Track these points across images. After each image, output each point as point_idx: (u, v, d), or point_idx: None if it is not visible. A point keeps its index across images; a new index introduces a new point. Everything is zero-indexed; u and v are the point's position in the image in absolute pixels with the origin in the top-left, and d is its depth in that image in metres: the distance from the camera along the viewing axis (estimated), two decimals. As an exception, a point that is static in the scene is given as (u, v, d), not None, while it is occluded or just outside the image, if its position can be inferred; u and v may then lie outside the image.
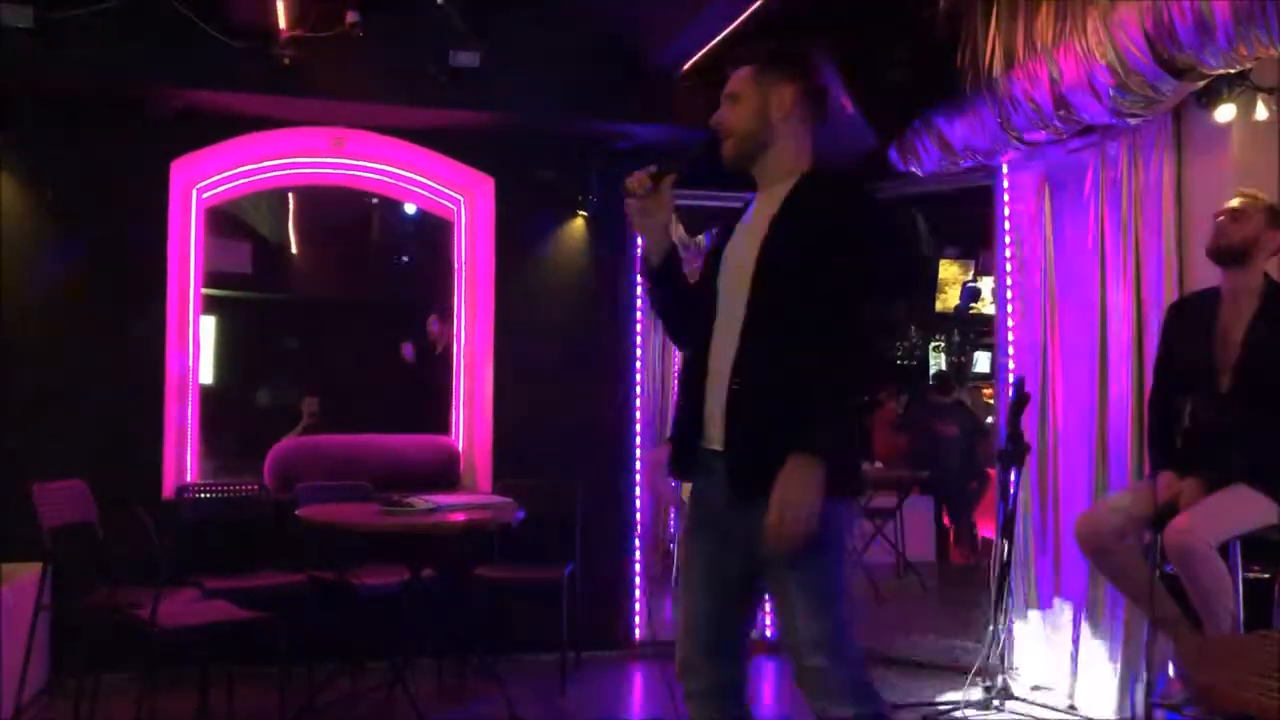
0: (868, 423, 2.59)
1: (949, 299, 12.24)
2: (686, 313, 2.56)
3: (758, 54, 2.51)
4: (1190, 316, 3.70)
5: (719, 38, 4.84)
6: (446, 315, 7.67)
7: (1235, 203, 3.57)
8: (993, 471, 6.51)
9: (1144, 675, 4.08)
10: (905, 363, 13.89)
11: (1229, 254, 3.55)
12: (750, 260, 2.41)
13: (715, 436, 2.41)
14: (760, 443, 2.31)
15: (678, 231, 5.77)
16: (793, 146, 2.48)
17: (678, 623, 2.58)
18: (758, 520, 2.30)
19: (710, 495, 2.47)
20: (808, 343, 2.29)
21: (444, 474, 5.66)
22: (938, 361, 13.80)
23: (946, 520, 9.14)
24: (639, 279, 2.70)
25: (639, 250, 2.60)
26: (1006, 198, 5.14)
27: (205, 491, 5.13)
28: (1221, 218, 3.58)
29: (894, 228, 2.45)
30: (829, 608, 2.35)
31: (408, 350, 8.58)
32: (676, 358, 8.95)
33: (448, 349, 7.51)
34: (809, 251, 2.34)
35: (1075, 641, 4.56)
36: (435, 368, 7.62)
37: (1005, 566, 4.55)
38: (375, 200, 8.73)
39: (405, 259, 10.02)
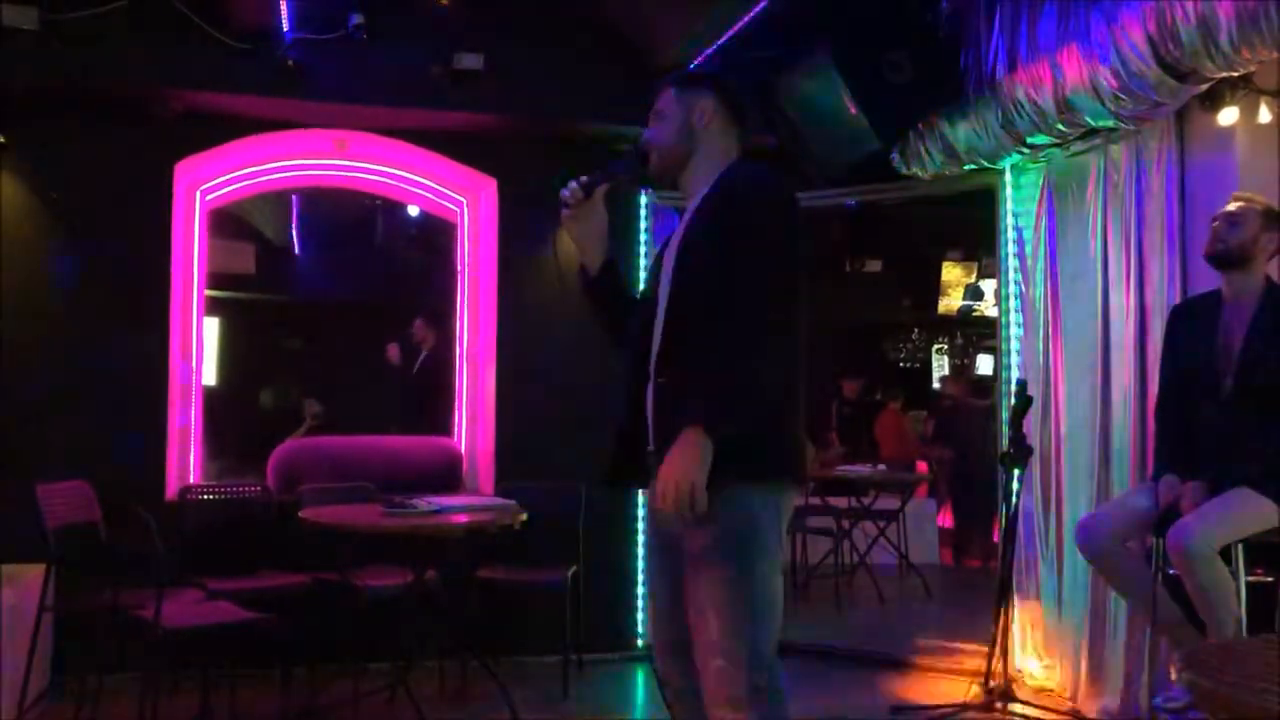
0: (798, 410, 2.50)
1: (952, 301, 12.24)
2: (623, 319, 2.65)
3: (674, 79, 2.69)
4: (1192, 320, 3.70)
5: (724, 39, 4.84)
6: (432, 317, 7.70)
7: (1231, 207, 3.58)
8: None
9: (1146, 679, 4.08)
10: (908, 365, 13.90)
11: (1227, 258, 3.56)
12: (673, 261, 2.52)
13: (651, 438, 2.47)
14: (669, 436, 2.31)
15: None
16: (717, 151, 2.59)
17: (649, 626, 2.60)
18: (682, 521, 2.31)
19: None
20: (709, 331, 2.32)
21: (446, 476, 5.66)
22: (940, 364, 13.80)
23: (948, 523, 9.14)
24: (580, 286, 2.74)
25: (578, 259, 2.70)
26: (1009, 200, 5.15)
27: (208, 493, 5.13)
28: (1218, 223, 3.60)
29: (793, 217, 2.43)
30: (733, 607, 2.32)
31: (392, 351, 8.61)
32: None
33: (434, 351, 7.55)
34: (710, 243, 2.40)
35: (1077, 645, 4.56)
36: (423, 370, 7.66)
37: (1007, 569, 4.54)
38: (378, 202, 8.74)
39: (408, 261, 10.02)
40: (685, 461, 2.24)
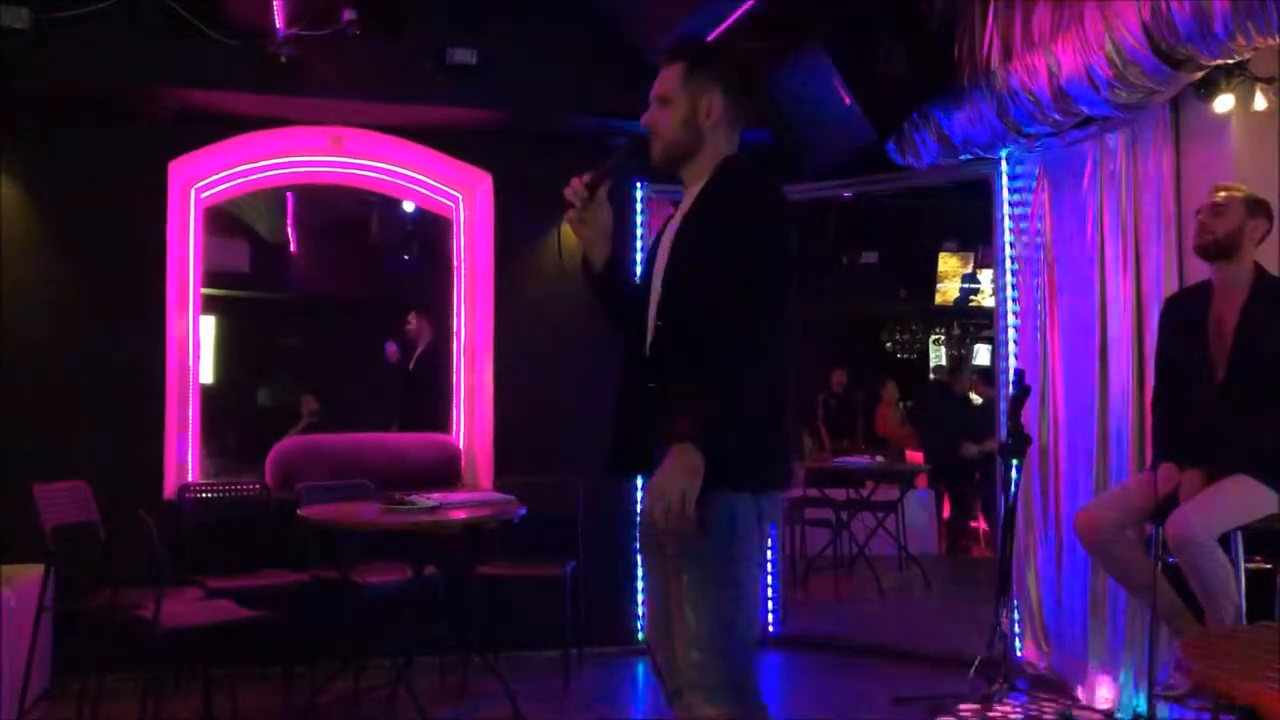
0: (787, 413, 2.50)
1: (949, 292, 12.25)
2: (627, 314, 2.63)
3: (685, 52, 2.56)
4: (1184, 310, 3.72)
5: (717, 31, 4.83)
6: (425, 310, 7.69)
7: (1215, 198, 3.59)
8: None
9: (1146, 667, 4.09)
10: (906, 356, 13.93)
11: (1215, 249, 3.58)
12: (666, 256, 2.50)
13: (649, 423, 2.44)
14: (661, 436, 2.31)
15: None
16: (719, 146, 2.54)
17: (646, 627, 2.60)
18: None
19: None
20: (700, 334, 2.31)
21: (445, 472, 5.66)
22: (938, 355, 13.82)
23: (946, 513, 9.16)
24: (584, 283, 2.72)
25: (581, 256, 2.66)
26: (1006, 190, 5.14)
27: (207, 491, 5.13)
28: (1203, 214, 3.61)
29: (784, 221, 2.43)
30: (712, 602, 2.33)
31: (390, 349, 8.59)
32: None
33: (431, 344, 7.53)
34: (705, 243, 2.39)
35: (1077, 633, 4.57)
36: (421, 364, 7.64)
37: (1007, 559, 4.55)
38: (374, 199, 8.73)
39: (405, 257, 10.03)
40: (677, 476, 2.23)
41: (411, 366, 7.88)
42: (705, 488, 2.25)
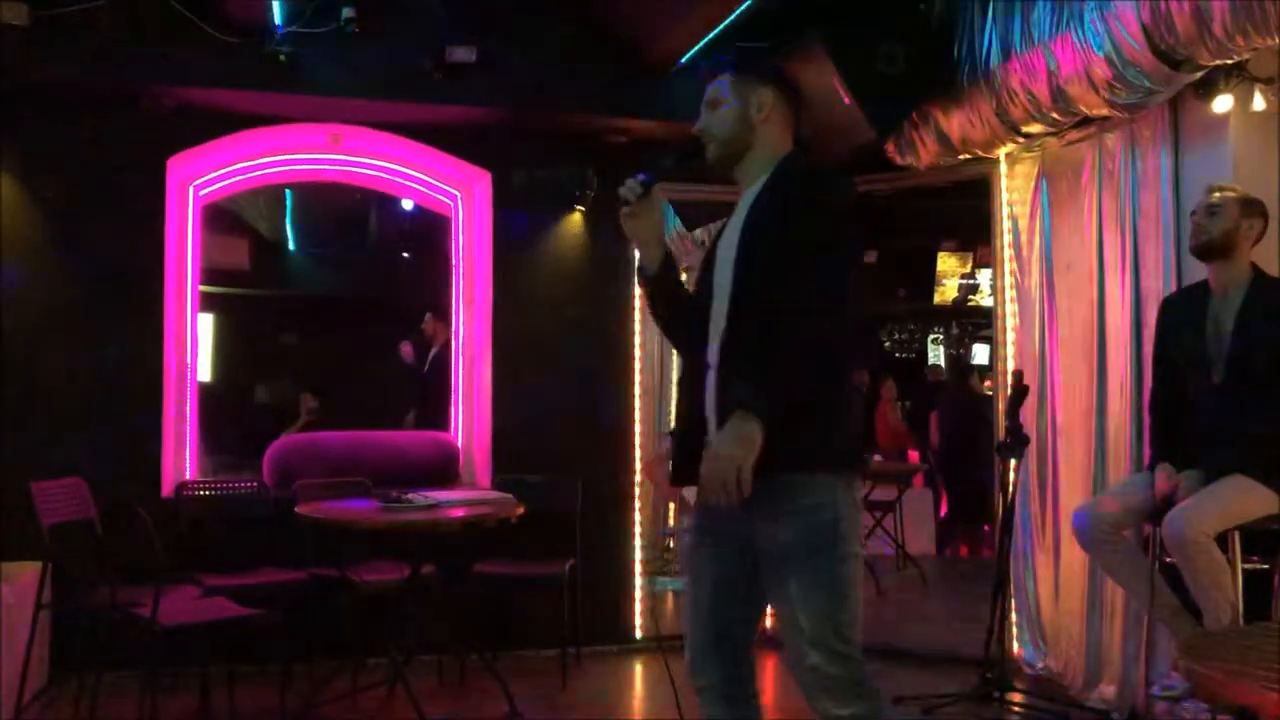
0: (852, 404, 2.52)
1: (947, 292, 12.24)
2: (683, 315, 2.60)
3: (731, 63, 2.61)
4: (1181, 311, 3.72)
5: (716, 31, 4.83)
6: (440, 312, 7.67)
7: (1209, 198, 3.60)
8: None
9: (1144, 667, 4.09)
10: (904, 356, 13.92)
11: (1211, 249, 3.58)
12: (733, 254, 2.47)
13: (711, 432, 2.42)
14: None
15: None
16: (773, 144, 2.55)
17: (685, 621, 2.58)
18: (756, 517, 2.32)
19: None
20: (774, 332, 2.30)
21: (443, 470, 5.66)
22: (936, 354, 13.81)
23: (943, 511, 9.15)
24: (637, 286, 2.70)
25: (636, 257, 2.63)
26: (1004, 190, 5.14)
27: (204, 489, 5.13)
28: (1198, 215, 3.62)
29: (856, 217, 2.46)
30: (826, 604, 2.34)
31: (406, 351, 8.57)
32: (674, 351, 8.97)
33: (446, 346, 7.51)
34: (779, 236, 2.38)
35: (1075, 633, 4.56)
36: (436, 366, 7.62)
37: (1004, 558, 4.55)
38: (370, 200, 8.73)
39: (404, 255, 10.02)
40: (732, 445, 2.22)
41: (426, 368, 7.87)
42: (796, 469, 2.28)
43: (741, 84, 2.54)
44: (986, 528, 8.94)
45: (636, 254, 2.62)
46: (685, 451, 2.47)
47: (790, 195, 2.44)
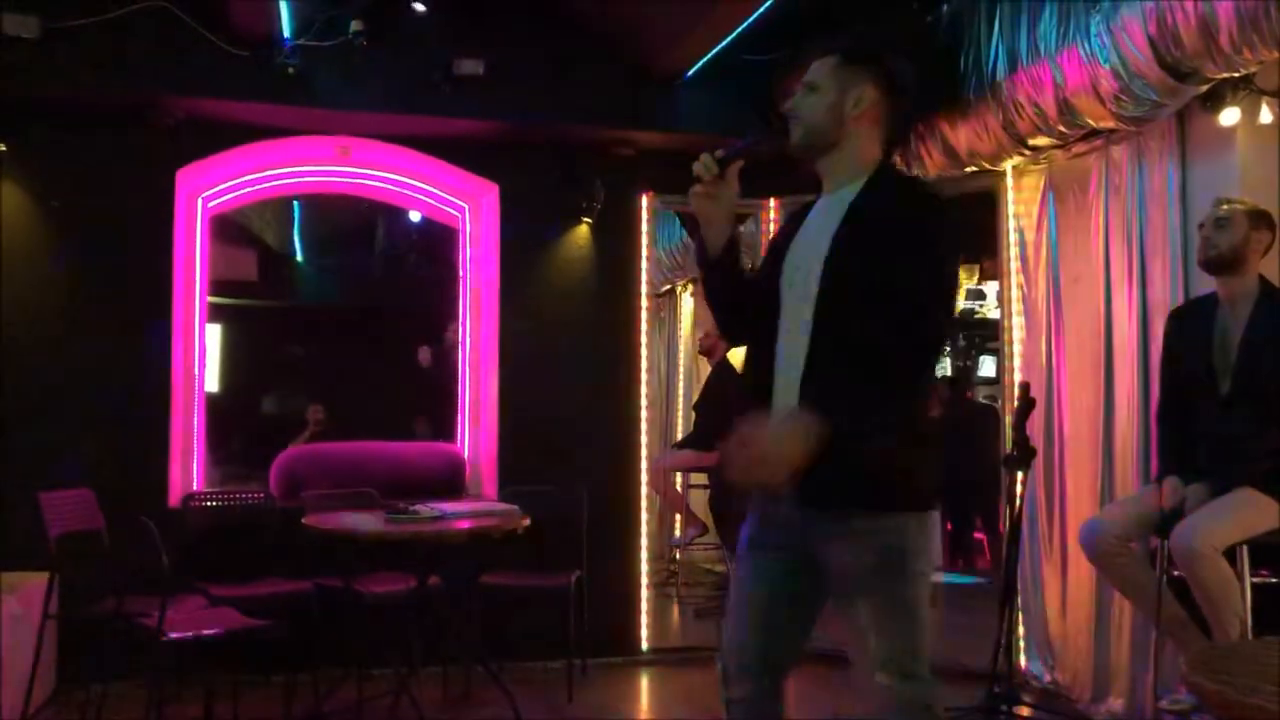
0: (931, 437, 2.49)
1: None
2: (741, 306, 2.51)
3: (839, 46, 2.47)
4: (1189, 323, 3.71)
5: (723, 44, 4.84)
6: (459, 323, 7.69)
7: (1218, 211, 3.59)
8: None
9: (1151, 681, 4.06)
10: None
11: (1219, 263, 3.58)
12: (818, 263, 2.34)
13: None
14: (831, 448, 2.16)
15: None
16: (862, 147, 2.42)
17: (726, 630, 2.50)
18: (827, 532, 2.29)
19: (775, 505, 2.37)
20: (876, 346, 2.20)
21: (450, 481, 5.66)
22: (943, 366, 13.78)
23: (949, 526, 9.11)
24: (697, 268, 2.62)
25: (698, 239, 2.50)
26: (1011, 203, 5.13)
27: (211, 500, 5.13)
28: (1205, 228, 3.61)
29: (958, 233, 2.41)
30: (897, 627, 2.32)
31: (424, 355, 8.59)
32: (681, 362, 8.96)
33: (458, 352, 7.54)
34: (880, 254, 2.25)
35: (1082, 647, 4.54)
36: (450, 371, 7.64)
37: (1012, 571, 4.53)
38: (380, 208, 8.74)
39: (411, 267, 10.03)
40: (788, 431, 2.15)
41: (439, 369, 7.89)
42: (885, 503, 2.25)
43: (845, 72, 2.41)
44: (980, 537, 8.92)
45: (701, 237, 2.47)
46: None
47: (893, 208, 2.33)
